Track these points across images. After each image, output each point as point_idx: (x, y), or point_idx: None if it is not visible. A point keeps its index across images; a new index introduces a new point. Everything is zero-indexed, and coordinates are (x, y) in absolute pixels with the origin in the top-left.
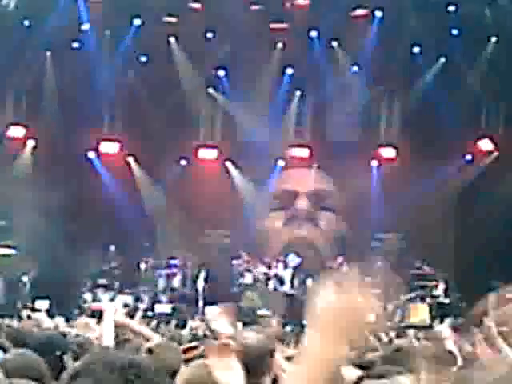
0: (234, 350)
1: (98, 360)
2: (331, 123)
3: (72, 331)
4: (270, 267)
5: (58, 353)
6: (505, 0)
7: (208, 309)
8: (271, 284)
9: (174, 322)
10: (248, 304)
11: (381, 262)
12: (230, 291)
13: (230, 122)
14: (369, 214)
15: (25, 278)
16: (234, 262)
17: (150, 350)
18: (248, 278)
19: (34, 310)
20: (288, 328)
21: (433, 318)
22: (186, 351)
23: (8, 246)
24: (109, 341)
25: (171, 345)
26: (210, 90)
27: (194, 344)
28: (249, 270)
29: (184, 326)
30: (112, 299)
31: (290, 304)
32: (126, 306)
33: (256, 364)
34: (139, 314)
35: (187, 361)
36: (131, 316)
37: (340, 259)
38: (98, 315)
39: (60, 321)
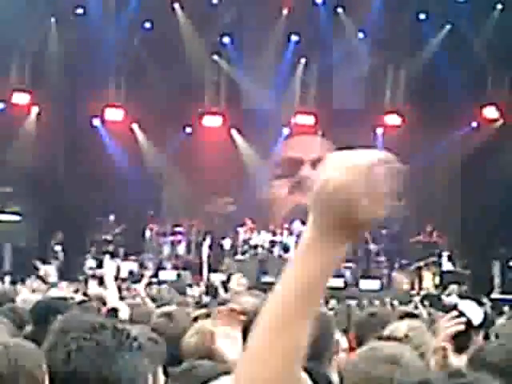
0: (241, 315)
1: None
2: (336, 90)
3: (76, 297)
4: (274, 234)
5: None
6: None
7: (214, 275)
8: (276, 251)
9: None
10: (226, 270)
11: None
12: (234, 258)
13: (235, 89)
14: None
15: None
16: (239, 229)
17: (167, 315)
18: (252, 245)
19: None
20: None
21: (437, 286)
22: (195, 320)
23: (14, 213)
24: (114, 302)
25: (185, 311)
26: (215, 57)
27: (203, 312)
28: (252, 238)
29: (183, 294)
30: (117, 265)
31: None
32: (131, 272)
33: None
34: (145, 280)
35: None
36: (136, 282)
37: None
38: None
39: (65, 285)
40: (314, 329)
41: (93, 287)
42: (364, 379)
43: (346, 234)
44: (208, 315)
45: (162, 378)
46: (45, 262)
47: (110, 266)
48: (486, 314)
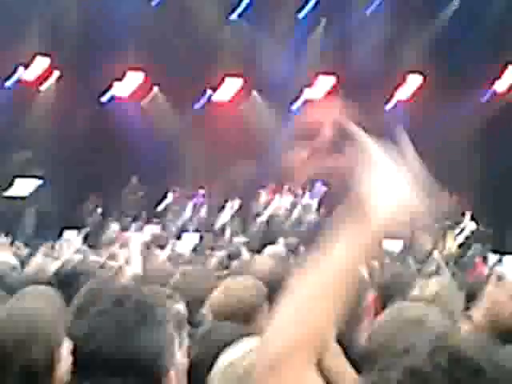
0: None
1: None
2: (356, 52)
3: (99, 260)
4: (296, 196)
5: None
6: None
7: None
8: (297, 213)
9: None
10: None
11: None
12: (257, 221)
13: (255, 51)
14: (395, 142)
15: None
16: (261, 191)
17: (183, 274)
18: (273, 208)
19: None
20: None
21: (460, 246)
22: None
23: (35, 177)
24: (137, 268)
25: (204, 270)
26: (234, 17)
27: (223, 273)
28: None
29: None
30: (140, 228)
31: (315, 232)
32: (154, 236)
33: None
34: (170, 245)
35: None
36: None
37: None
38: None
39: (87, 250)
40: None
41: (118, 251)
42: (389, 341)
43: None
44: (226, 275)
45: (186, 341)
46: (70, 228)
47: (134, 233)
48: None
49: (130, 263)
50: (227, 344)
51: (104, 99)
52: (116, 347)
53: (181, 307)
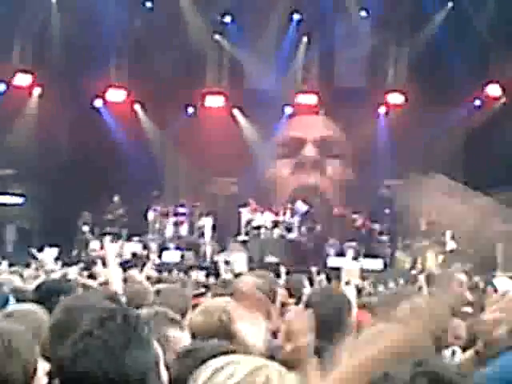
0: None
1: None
2: (339, 69)
3: (80, 279)
4: (277, 214)
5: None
6: None
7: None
8: (278, 231)
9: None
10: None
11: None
12: (237, 239)
13: (237, 69)
14: (376, 161)
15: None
16: (242, 209)
17: (158, 292)
18: (254, 226)
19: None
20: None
21: (441, 265)
22: (194, 297)
23: (17, 195)
24: (117, 284)
25: (179, 289)
26: (217, 37)
27: (200, 291)
28: (254, 219)
29: (186, 274)
30: (121, 246)
31: (296, 251)
32: (134, 254)
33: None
34: (150, 263)
35: (195, 307)
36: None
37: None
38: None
39: (69, 269)
40: (329, 305)
41: (98, 268)
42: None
43: None
44: (202, 294)
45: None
46: (51, 245)
47: (110, 247)
48: None
49: (111, 282)
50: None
51: (86, 117)
52: (103, 369)
53: (185, 336)
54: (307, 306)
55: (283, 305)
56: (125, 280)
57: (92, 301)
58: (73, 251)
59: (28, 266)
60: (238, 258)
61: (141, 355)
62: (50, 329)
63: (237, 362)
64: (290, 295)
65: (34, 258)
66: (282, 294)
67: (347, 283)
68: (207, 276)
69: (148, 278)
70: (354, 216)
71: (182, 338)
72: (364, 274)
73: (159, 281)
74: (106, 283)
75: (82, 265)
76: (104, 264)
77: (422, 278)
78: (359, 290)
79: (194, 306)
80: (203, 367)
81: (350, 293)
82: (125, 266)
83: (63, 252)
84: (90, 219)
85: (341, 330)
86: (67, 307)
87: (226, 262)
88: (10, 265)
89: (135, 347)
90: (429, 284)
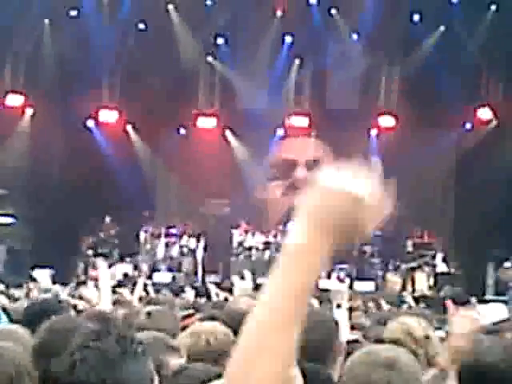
0: None
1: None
2: (331, 91)
3: (71, 301)
4: (268, 236)
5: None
6: None
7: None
8: (269, 253)
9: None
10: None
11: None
12: (229, 260)
13: (229, 90)
14: None
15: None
16: (233, 231)
17: (148, 314)
18: (246, 247)
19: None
20: None
21: (431, 287)
22: (182, 319)
23: (8, 215)
24: (106, 305)
25: (169, 310)
26: (209, 58)
27: (190, 312)
28: (246, 240)
29: (177, 295)
30: (110, 267)
31: None
32: (125, 275)
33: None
34: (141, 283)
35: (183, 328)
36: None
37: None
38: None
39: (59, 289)
40: (318, 330)
41: (88, 290)
42: (361, 383)
43: (343, 237)
44: (191, 315)
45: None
46: (40, 266)
47: (104, 270)
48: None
49: (100, 300)
50: (200, 383)
51: (78, 137)
52: (101, 378)
53: (181, 362)
54: None
55: None
56: (115, 303)
57: (78, 322)
58: (75, 271)
59: (20, 286)
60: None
61: (137, 369)
62: (33, 348)
63: None
64: None
65: (32, 278)
66: None
67: (338, 306)
68: (196, 297)
69: (140, 299)
70: None
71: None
72: (352, 294)
73: (150, 301)
74: (94, 305)
75: (73, 285)
76: (96, 286)
77: (410, 298)
78: (350, 310)
79: (183, 328)
80: None
81: (342, 315)
82: (117, 287)
83: (57, 273)
84: (93, 243)
85: (331, 352)
86: (52, 328)
87: (217, 284)
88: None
89: (131, 360)
90: (418, 305)
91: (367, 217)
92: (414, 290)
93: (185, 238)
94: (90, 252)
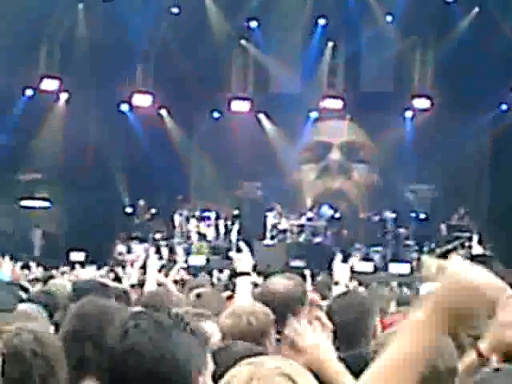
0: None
1: None
2: (364, 74)
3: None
4: (303, 219)
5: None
6: None
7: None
8: (304, 235)
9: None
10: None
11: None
12: (263, 243)
13: (263, 74)
14: (402, 166)
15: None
16: (268, 213)
17: (198, 295)
18: (280, 230)
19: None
20: (320, 278)
21: None
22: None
23: (43, 199)
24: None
25: (216, 292)
26: (243, 42)
27: (229, 293)
28: (280, 223)
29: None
30: (147, 250)
31: (322, 255)
32: (161, 258)
33: (284, 311)
34: (177, 266)
35: None
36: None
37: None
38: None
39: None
40: (351, 312)
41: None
42: None
43: (458, 322)
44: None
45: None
46: (76, 250)
47: (153, 262)
48: None
49: (146, 285)
50: (239, 361)
51: (113, 121)
52: (152, 347)
53: (211, 327)
54: (328, 313)
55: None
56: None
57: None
58: (110, 255)
59: (53, 269)
60: (240, 282)
61: (188, 340)
62: (66, 334)
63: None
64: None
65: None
66: (312, 296)
67: (336, 284)
68: (230, 278)
69: (176, 282)
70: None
71: (215, 332)
72: (353, 275)
73: (184, 284)
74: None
75: (106, 268)
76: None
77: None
78: None
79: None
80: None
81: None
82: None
83: (92, 256)
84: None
85: (364, 335)
86: (84, 313)
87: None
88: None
89: (183, 331)
90: None
91: (484, 308)
92: None
93: (219, 221)
94: (125, 236)
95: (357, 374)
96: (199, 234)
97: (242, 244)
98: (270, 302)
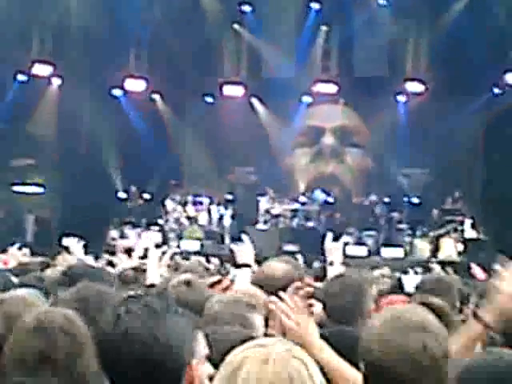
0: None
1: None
2: (358, 58)
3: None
4: (296, 203)
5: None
6: None
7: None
8: (297, 220)
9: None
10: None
11: None
12: (256, 228)
13: (256, 58)
14: (395, 150)
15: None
16: (260, 198)
17: (188, 283)
18: (273, 215)
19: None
20: (315, 263)
21: (460, 253)
22: (211, 286)
23: (37, 184)
24: (155, 279)
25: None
26: (236, 26)
27: (218, 278)
28: (273, 207)
29: (208, 262)
30: (139, 236)
31: (315, 240)
32: (158, 246)
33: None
34: (170, 252)
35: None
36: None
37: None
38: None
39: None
40: (345, 294)
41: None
42: (397, 351)
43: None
44: (219, 281)
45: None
46: (69, 235)
47: (154, 252)
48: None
49: (148, 274)
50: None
51: (106, 106)
52: (145, 331)
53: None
54: (325, 296)
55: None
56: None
57: (107, 290)
58: (104, 240)
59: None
60: (241, 273)
61: (180, 324)
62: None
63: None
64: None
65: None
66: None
67: (331, 264)
68: (222, 264)
69: (168, 266)
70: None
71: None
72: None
73: (177, 269)
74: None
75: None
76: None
77: (436, 266)
78: None
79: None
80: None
81: (335, 273)
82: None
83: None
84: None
85: (359, 316)
86: (84, 297)
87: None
88: (32, 253)
89: (174, 315)
90: (446, 271)
91: None
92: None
93: (212, 206)
94: (118, 221)
95: (345, 350)
96: (188, 218)
97: (244, 236)
98: (269, 286)
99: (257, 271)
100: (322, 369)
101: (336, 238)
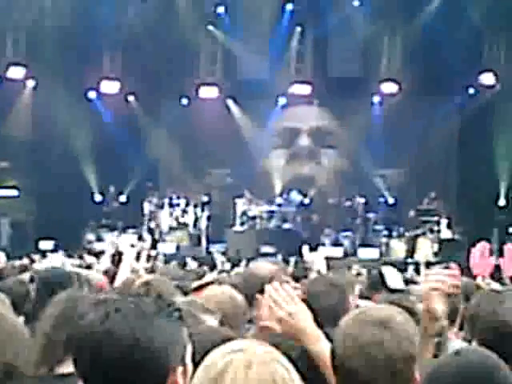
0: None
1: None
2: (332, 59)
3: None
4: (272, 205)
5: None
6: None
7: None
8: (274, 221)
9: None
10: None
11: None
12: (233, 230)
13: (231, 60)
14: (371, 151)
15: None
16: (237, 200)
17: (146, 283)
18: (250, 217)
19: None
20: (291, 264)
21: (436, 254)
22: (196, 290)
23: (11, 187)
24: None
25: (165, 279)
26: (210, 27)
27: (205, 281)
28: (250, 209)
29: (185, 265)
30: (116, 238)
31: (292, 241)
32: (132, 246)
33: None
34: (145, 253)
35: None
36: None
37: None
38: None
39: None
40: (329, 296)
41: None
42: (352, 344)
43: None
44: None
45: None
46: (46, 238)
47: (129, 251)
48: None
49: (118, 277)
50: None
51: (80, 108)
52: (129, 331)
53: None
54: (308, 296)
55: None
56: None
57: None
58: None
59: (21, 258)
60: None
61: (170, 329)
62: (57, 316)
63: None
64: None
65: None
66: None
67: (318, 273)
68: (200, 266)
69: (145, 269)
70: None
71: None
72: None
73: (153, 272)
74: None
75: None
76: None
77: (411, 267)
78: None
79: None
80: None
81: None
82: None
83: (61, 244)
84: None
85: (346, 313)
86: (72, 296)
87: (223, 253)
88: (8, 257)
89: (165, 319)
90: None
91: None
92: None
93: (188, 208)
94: (94, 224)
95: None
96: (173, 221)
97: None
98: (255, 286)
99: (244, 271)
100: (316, 360)
101: (314, 247)
